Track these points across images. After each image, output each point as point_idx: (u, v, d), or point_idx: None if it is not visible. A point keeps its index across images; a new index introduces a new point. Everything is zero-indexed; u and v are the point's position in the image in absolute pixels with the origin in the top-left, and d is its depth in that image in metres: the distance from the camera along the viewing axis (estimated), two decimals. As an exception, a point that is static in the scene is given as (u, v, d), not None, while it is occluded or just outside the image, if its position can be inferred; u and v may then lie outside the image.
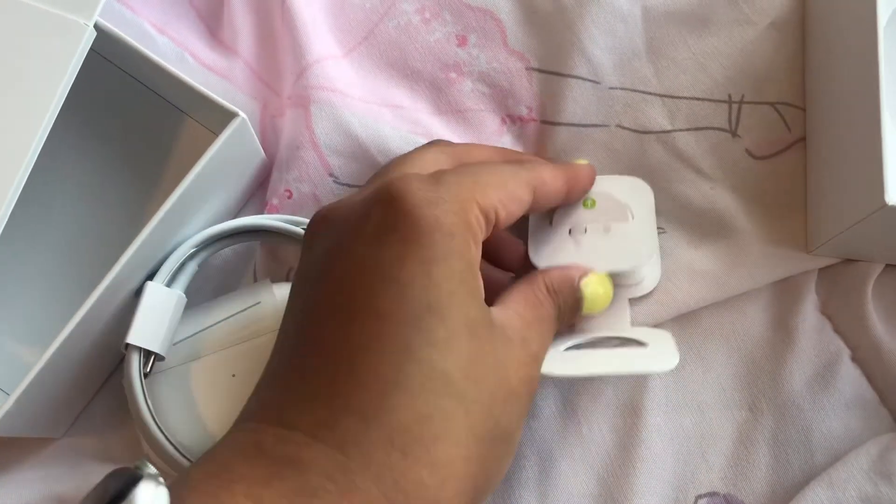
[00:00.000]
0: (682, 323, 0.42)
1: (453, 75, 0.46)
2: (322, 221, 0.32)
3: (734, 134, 0.44)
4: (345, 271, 0.29)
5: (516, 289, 0.34)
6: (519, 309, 0.33)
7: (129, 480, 0.23)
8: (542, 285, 0.34)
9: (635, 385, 0.42)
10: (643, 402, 0.41)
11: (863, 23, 0.40)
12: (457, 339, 0.28)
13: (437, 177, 0.31)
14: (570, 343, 0.37)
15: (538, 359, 0.33)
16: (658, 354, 0.36)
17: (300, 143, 0.43)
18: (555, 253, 0.38)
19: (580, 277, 0.36)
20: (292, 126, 0.44)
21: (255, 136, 0.42)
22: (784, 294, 0.43)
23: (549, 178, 0.35)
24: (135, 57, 0.42)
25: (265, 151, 0.45)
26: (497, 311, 0.31)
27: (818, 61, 0.44)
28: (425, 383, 0.27)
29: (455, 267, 0.29)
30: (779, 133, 0.45)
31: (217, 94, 0.40)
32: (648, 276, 0.41)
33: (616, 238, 0.39)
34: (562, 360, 0.35)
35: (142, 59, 0.41)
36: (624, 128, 0.44)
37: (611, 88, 0.44)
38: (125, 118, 0.46)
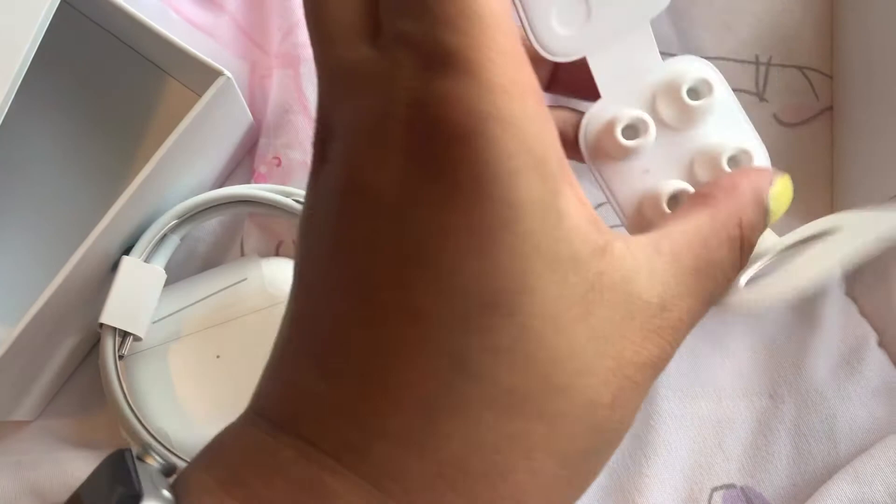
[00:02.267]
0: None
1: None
2: (326, 129, 0.22)
3: (761, 98, 0.41)
4: (362, 239, 0.20)
5: (693, 213, 0.23)
6: (677, 247, 0.22)
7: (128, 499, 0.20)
8: (735, 219, 0.23)
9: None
10: (657, 387, 0.39)
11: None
12: (533, 342, 0.20)
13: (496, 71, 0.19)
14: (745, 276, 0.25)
15: (681, 328, 0.22)
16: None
17: (289, 106, 0.40)
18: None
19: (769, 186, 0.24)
20: (281, 88, 0.41)
21: (242, 98, 0.39)
22: (808, 274, 0.40)
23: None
24: (112, 11, 0.38)
25: (254, 115, 0.42)
26: (625, 256, 0.21)
27: (848, 27, 0.41)
28: (485, 403, 0.20)
29: (530, 230, 0.19)
30: (807, 100, 0.42)
31: (202, 52, 0.37)
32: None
33: None
34: (757, 293, 0.24)
35: (120, 13, 0.38)
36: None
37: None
38: (102, 77, 0.43)
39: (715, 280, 0.22)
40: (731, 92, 0.26)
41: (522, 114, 0.19)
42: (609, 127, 0.26)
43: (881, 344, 0.39)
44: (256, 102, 0.43)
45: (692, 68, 0.26)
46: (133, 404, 0.36)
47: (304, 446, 0.21)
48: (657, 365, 0.21)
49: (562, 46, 0.25)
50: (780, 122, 0.41)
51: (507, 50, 0.19)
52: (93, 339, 0.40)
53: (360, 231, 0.20)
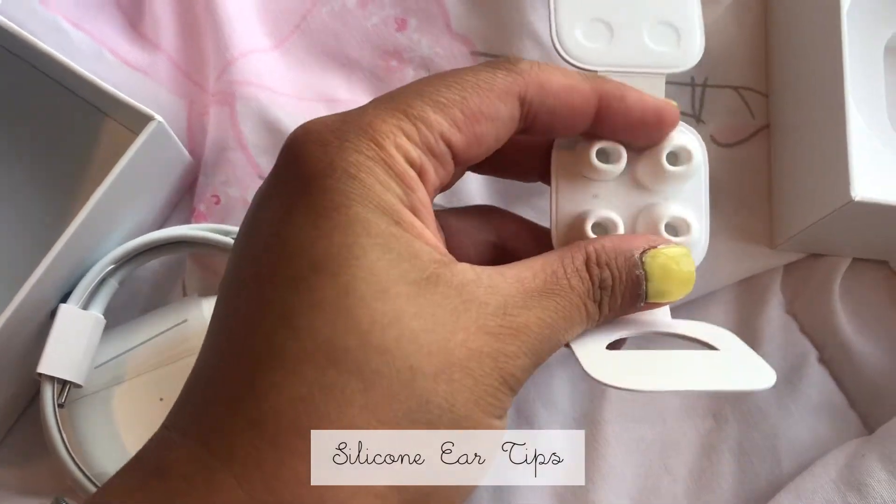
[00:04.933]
0: (640, 328, 0.40)
1: (394, 63, 0.43)
2: None
3: (698, 119, 0.42)
4: (242, 240, 0.24)
5: (541, 255, 0.25)
6: (523, 274, 0.24)
7: None
8: (581, 254, 0.25)
9: (591, 393, 0.39)
10: (601, 412, 0.39)
11: (826, 8, 0.37)
12: (353, 299, 0.22)
13: (353, 110, 0.24)
14: (608, 338, 0.27)
15: (528, 333, 0.23)
16: (743, 364, 0.27)
17: (226, 143, 0.40)
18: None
19: (645, 249, 0.26)
20: (217, 125, 0.41)
21: (176, 139, 0.38)
22: (748, 293, 0.41)
23: (559, 80, 0.25)
24: (44, 57, 0.38)
25: (194, 152, 0.42)
26: (467, 269, 0.24)
27: (781, 46, 0.42)
28: (304, 355, 0.21)
29: (356, 214, 0.22)
30: (743, 119, 0.42)
31: (139, 92, 0.37)
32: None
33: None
34: (615, 365, 0.25)
35: (51, 60, 0.38)
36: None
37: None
38: (39, 118, 0.42)
39: (567, 300, 0.24)
40: (706, 163, 0.28)
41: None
42: (586, 145, 0.27)
43: (821, 360, 0.40)
44: (196, 139, 0.42)
45: (679, 134, 0.27)
46: (77, 450, 0.36)
47: (164, 433, 0.23)
48: (498, 359, 0.23)
49: (583, 55, 0.28)
50: (718, 143, 0.42)
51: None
52: (34, 387, 0.40)
53: (243, 231, 0.25)
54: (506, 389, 0.23)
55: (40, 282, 0.35)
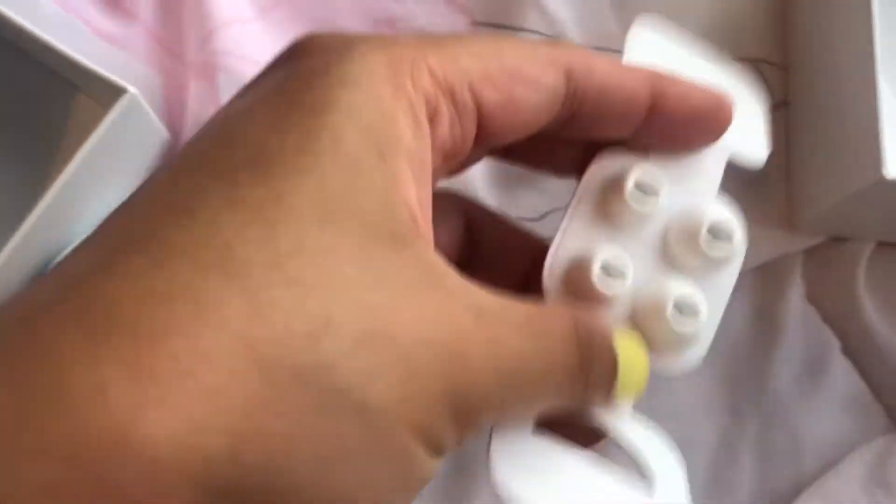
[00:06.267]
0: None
1: (387, 32, 0.40)
2: None
3: (710, 96, 0.39)
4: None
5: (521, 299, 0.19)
6: (504, 298, 0.19)
7: None
8: (570, 324, 0.19)
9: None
10: (611, 408, 0.36)
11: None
12: (281, 213, 0.16)
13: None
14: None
15: (499, 351, 0.18)
16: None
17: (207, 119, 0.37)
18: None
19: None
20: (198, 101, 0.38)
21: (152, 113, 0.36)
22: (767, 281, 0.38)
23: (608, 63, 0.21)
24: (10, 26, 0.35)
25: (172, 128, 0.39)
26: (441, 259, 0.18)
27: (804, 17, 0.39)
28: (187, 248, 0.16)
29: (332, 123, 0.17)
30: (759, 95, 0.40)
31: (114, 65, 0.35)
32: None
33: None
34: (521, 462, 0.20)
35: (19, 30, 0.35)
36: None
37: (569, 47, 0.39)
38: (6, 92, 0.40)
39: (552, 346, 0.19)
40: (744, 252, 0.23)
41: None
42: (620, 180, 0.22)
43: (845, 351, 0.37)
44: (175, 115, 0.40)
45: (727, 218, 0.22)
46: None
47: None
48: (454, 364, 0.17)
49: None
50: (733, 120, 0.39)
51: None
52: None
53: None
54: (449, 412, 0.17)
55: (6, 266, 0.32)
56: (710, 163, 0.23)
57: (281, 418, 0.15)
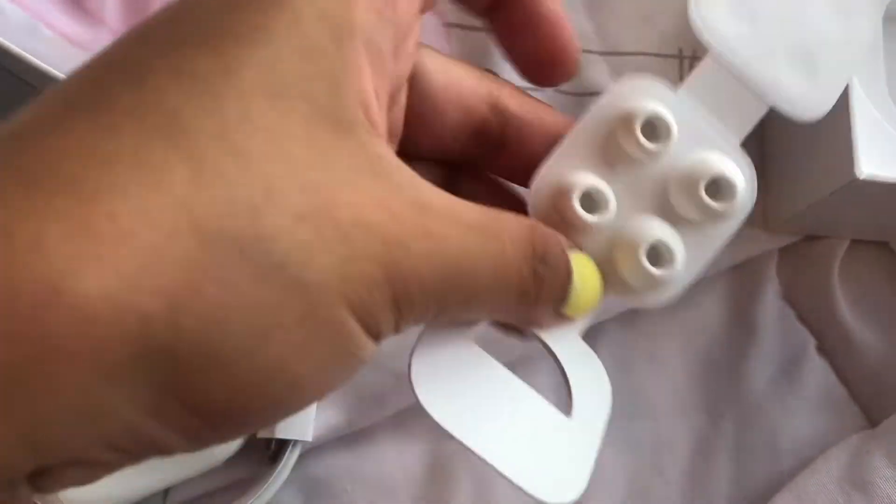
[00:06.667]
0: (629, 320, 0.37)
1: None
2: None
3: (685, 95, 0.39)
4: None
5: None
6: (457, 200, 0.18)
7: None
8: (527, 232, 0.19)
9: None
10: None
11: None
12: (229, 86, 0.16)
13: None
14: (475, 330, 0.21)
15: (439, 245, 0.17)
16: (568, 460, 0.21)
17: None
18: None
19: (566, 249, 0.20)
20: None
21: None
22: (742, 280, 0.38)
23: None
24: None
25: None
26: (394, 156, 0.18)
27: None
28: (134, 112, 0.16)
29: (291, 3, 0.17)
30: (732, 94, 0.39)
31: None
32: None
33: None
34: (444, 364, 0.20)
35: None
36: (561, 91, 0.38)
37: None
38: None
39: (503, 250, 0.18)
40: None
41: None
42: (629, 119, 0.21)
43: (820, 349, 0.38)
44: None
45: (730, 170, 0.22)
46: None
47: None
48: (392, 249, 0.17)
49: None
50: (707, 119, 0.39)
51: None
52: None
53: None
54: (388, 297, 0.17)
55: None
56: (745, 111, 0.23)
57: (218, 285, 0.15)
